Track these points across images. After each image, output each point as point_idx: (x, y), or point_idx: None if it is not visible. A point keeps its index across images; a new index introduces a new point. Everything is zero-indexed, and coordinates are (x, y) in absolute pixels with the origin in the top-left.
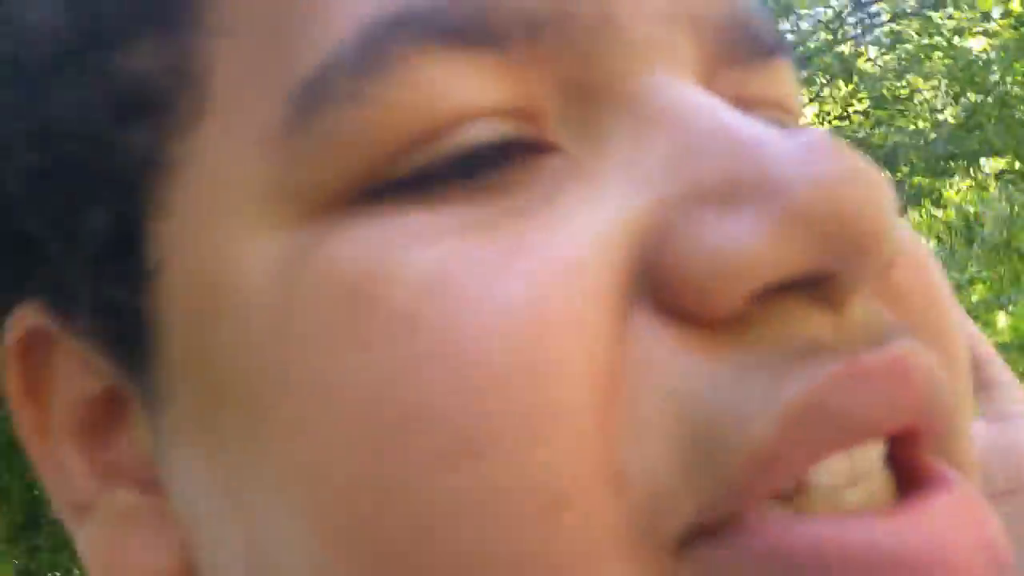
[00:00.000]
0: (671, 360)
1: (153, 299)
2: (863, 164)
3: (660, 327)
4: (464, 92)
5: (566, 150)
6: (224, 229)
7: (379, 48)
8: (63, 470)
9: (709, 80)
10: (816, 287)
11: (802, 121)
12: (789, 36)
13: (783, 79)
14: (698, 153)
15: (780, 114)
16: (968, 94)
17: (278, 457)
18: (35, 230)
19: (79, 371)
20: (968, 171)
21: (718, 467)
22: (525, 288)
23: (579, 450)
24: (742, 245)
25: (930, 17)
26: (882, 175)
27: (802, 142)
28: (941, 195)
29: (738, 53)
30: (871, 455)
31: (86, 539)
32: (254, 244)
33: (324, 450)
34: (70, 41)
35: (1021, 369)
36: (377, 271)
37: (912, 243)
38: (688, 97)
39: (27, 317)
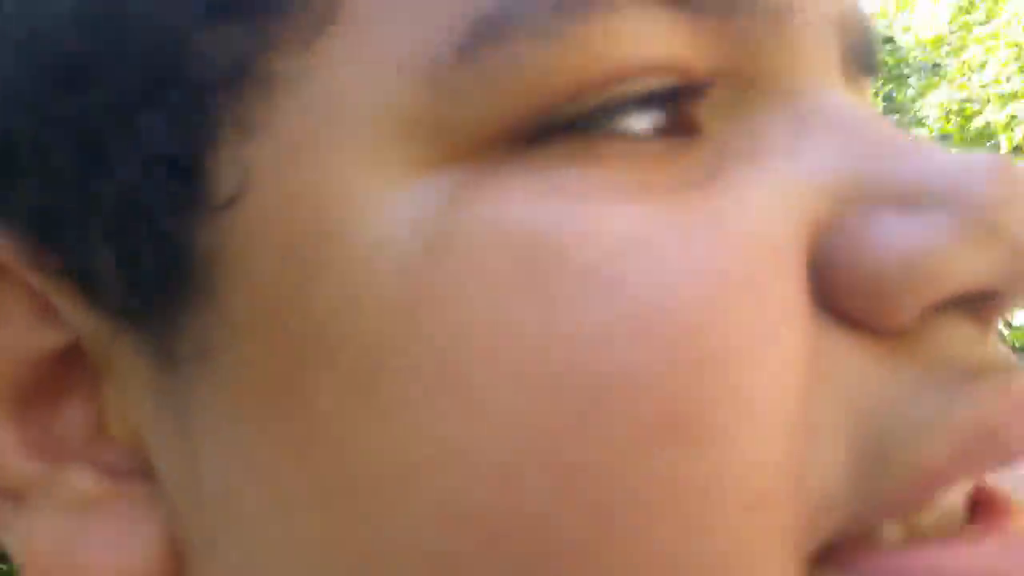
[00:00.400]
0: (850, 363)
1: (217, 235)
2: None
3: (835, 327)
4: (651, 46)
5: (712, 133)
6: (342, 164)
7: None
8: None
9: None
10: (978, 304)
11: None
12: None
13: (869, 99)
14: (873, 155)
15: None
16: None
17: (400, 437)
18: (41, 130)
19: (32, 320)
20: None
21: (887, 479)
22: (731, 260)
23: (779, 447)
24: (934, 246)
25: None
26: None
27: (986, 160)
28: None
29: (859, 65)
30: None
31: (22, 534)
32: (384, 183)
33: (479, 429)
34: None
35: None
36: (564, 224)
37: None
38: (853, 104)
39: None
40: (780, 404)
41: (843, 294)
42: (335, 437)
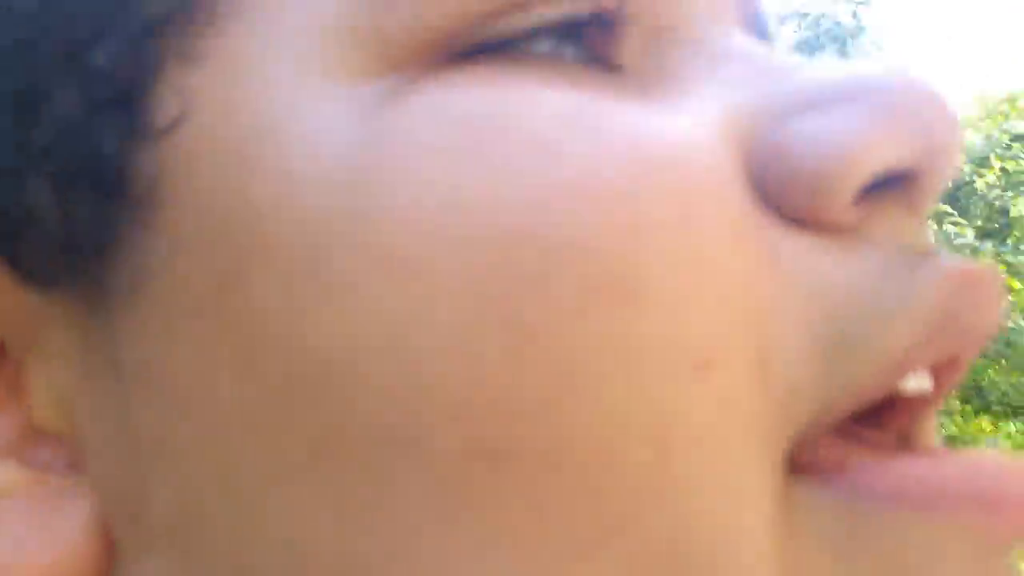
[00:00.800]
0: (806, 257)
1: (159, 159)
2: (940, 95)
3: (781, 224)
4: None
5: (631, 71)
6: (280, 76)
7: None
8: None
9: None
10: (903, 188)
11: None
12: None
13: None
14: (781, 76)
15: None
16: None
17: (349, 319)
18: None
19: None
20: None
21: (854, 364)
22: (667, 144)
23: (730, 316)
24: (852, 130)
25: None
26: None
27: (879, 66)
28: None
29: (751, 28)
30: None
31: None
32: (324, 88)
33: (431, 299)
34: None
35: None
36: (502, 102)
37: None
38: (754, 44)
39: None
40: (729, 278)
41: (782, 195)
42: (280, 333)
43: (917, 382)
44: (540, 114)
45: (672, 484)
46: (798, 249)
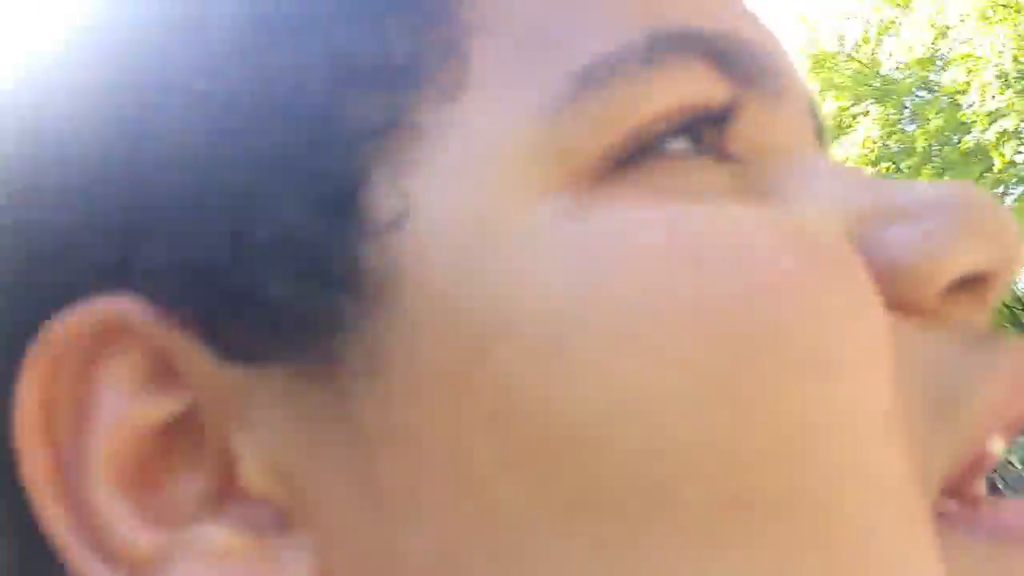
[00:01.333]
0: (911, 332)
1: (387, 253)
2: (992, 202)
3: (887, 310)
4: (700, 91)
5: (744, 160)
6: (487, 186)
7: (664, 46)
8: (98, 518)
9: None
10: (975, 287)
11: None
12: None
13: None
14: (869, 190)
15: None
16: None
17: (590, 393)
18: (198, 187)
19: (145, 387)
20: None
21: (960, 423)
22: (816, 234)
23: (889, 387)
24: (943, 240)
25: None
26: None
27: (952, 183)
28: None
29: (820, 140)
30: None
31: None
32: (523, 198)
33: (659, 376)
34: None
35: None
36: (685, 214)
37: None
38: (841, 167)
39: (103, 309)
40: (884, 347)
41: (883, 285)
42: (530, 402)
43: (997, 444)
44: (718, 215)
45: (875, 527)
46: (904, 327)
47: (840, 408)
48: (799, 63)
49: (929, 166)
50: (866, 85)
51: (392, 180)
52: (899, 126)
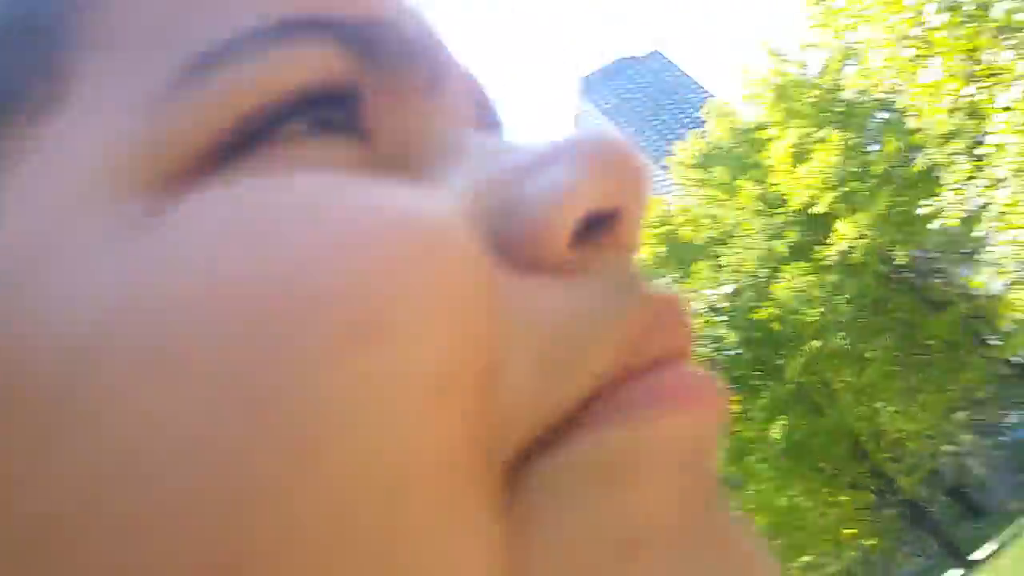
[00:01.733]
0: (532, 292)
1: None
2: (622, 144)
3: (515, 273)
4: (320, 72)
5: (382, 136)
6: (53, 204)
7: (289, 33)
8: None
9: None
10: (611, 228)
11: None
12: None
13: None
14: (507, 152)
15: None
16: None
17: (93, 439)
18: None
19: None
20: None
21: (568, 384)
22: (407, 208)
23: (460, 351)
24: (560, 184)
25: None
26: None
27: (580, 132)
28: None
29: (483, 119)
30: None
31: None
32: (90, 213)
33: (176, 393)
34: None
35: None
36: (265, 192)
37: None
38: (487, 137)
39: None
40: (457, 313)
41: (511, 247)
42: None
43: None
44: (296, 191)
45: (405, 518)
46: (525, 288)
47: (383, 382)
48: (764, 94)
49: (888, 188)
50: (827, 111)
51: None
52: (860, 149)
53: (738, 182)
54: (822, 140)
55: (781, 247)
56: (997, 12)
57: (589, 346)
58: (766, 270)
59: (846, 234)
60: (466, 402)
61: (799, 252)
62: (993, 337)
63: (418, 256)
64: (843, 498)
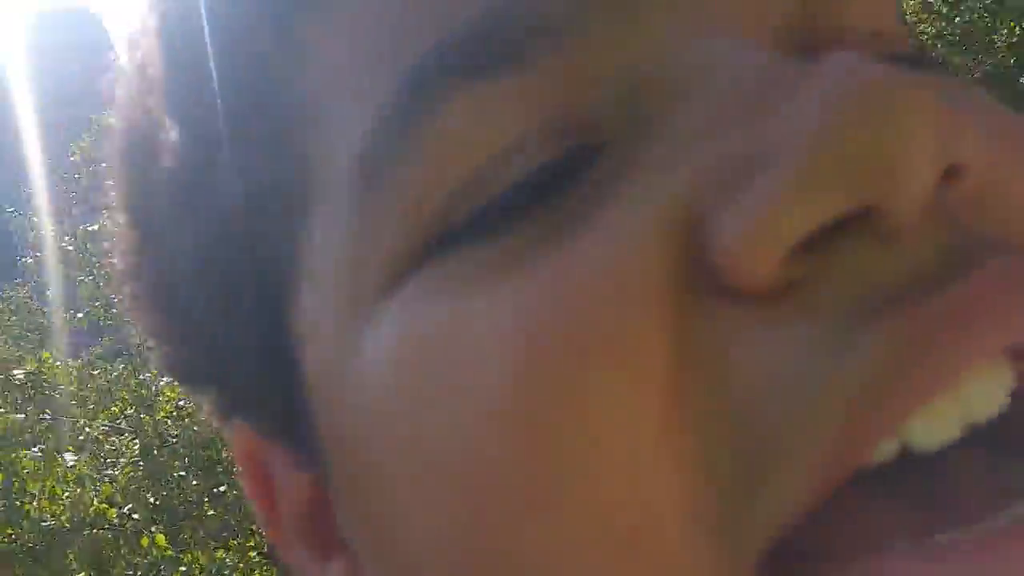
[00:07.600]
0: (731, 341)
1: (301, 387)
2: (881, 85)
3: (719, 307)
4: (497, 125)
5: (616, 141)
6: (328, 315)
7: (420, 95)
8: (296, 557)
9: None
10: (866, 226)
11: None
12: None
13: (875, 2)
14: (721, 123)
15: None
16: None
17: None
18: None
19: (289, 471)
20: None
21: (788, 473)
22: (551, 318)
23: (644, 477)
24: (757, 210)
25: None
26: (917, 79)
27: (813, 89)
28: None
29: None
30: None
31: None
32: (352, 325)
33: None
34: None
35: None
36: (421, 320)
37: (992, 130)
38: (714, 61)
39: (240, 433)
40: (636, 444)
41: (715, 271)
42: (378, 511)
43: (890, 448)
44: (460, 314)
45: None
46: (718, 332)
47: (563, 544)
48: None
49: None
50: None
51: (290, 317)
52: None
53: None
54: None
55: None
56: None
57: (796, 428)
58: None
59: None
60: (670, 534)
61: None
62: None
63: (569, 400)
64: None
